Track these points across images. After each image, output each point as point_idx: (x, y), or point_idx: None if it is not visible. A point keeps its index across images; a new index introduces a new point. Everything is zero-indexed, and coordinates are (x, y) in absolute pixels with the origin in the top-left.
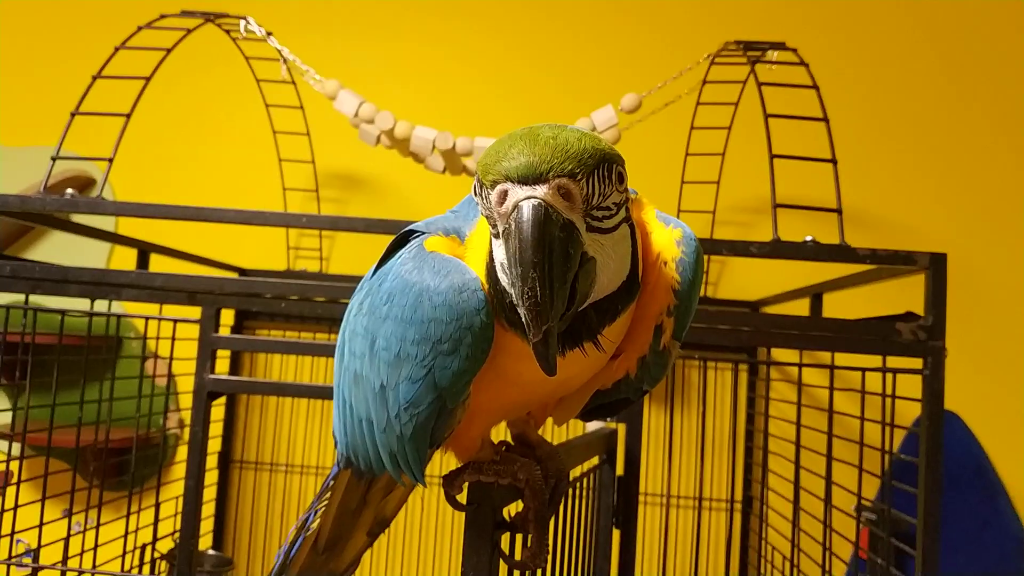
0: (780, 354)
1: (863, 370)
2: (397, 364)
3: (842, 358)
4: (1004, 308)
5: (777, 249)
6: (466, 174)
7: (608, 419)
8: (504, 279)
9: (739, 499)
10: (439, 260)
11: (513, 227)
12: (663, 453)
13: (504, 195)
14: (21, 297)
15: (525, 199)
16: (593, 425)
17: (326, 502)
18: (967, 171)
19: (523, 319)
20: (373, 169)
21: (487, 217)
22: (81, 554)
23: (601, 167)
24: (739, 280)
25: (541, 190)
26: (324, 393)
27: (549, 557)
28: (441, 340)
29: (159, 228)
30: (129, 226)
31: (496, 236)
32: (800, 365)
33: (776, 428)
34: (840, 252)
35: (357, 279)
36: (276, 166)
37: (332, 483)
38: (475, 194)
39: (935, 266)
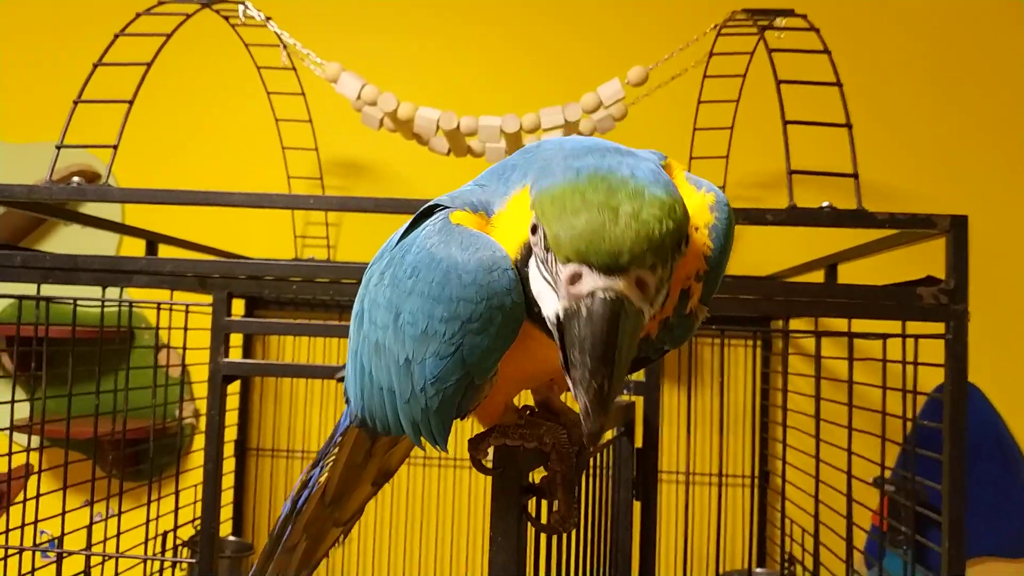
0: (795, 327)
1: (884, 336)
2: (424, 340)
3: (859, 328)
4: (1020, 279)
5: (793, 216)
6: (471, 155)
7: (625, 391)
8: (548, 313)
9: (756, 474)
10: (467, 235)
11: (584, 314)
12: (681, 431)
13: (577, 277)
14: (33, 288)
15: (602, 291)
16: None
17: (333, 456)
18: (982, 136)
19: (579, 402)
20: (377, 155)
21: (546, 277)
22: (104, 541)
23: (678, 247)
24: (752, 254)
25: (619, 283)
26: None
27: (578, 521)
28: (471, 319)
29: (166, 219)
30: (136, 217)
31: (548, 284)
32: (817, 334)
33: (792, 402)
34: (858, 217)
35: (366, 265)
36: (279, 154)
37: (340, 439)
38: (532, 238)
39: (956, 228)
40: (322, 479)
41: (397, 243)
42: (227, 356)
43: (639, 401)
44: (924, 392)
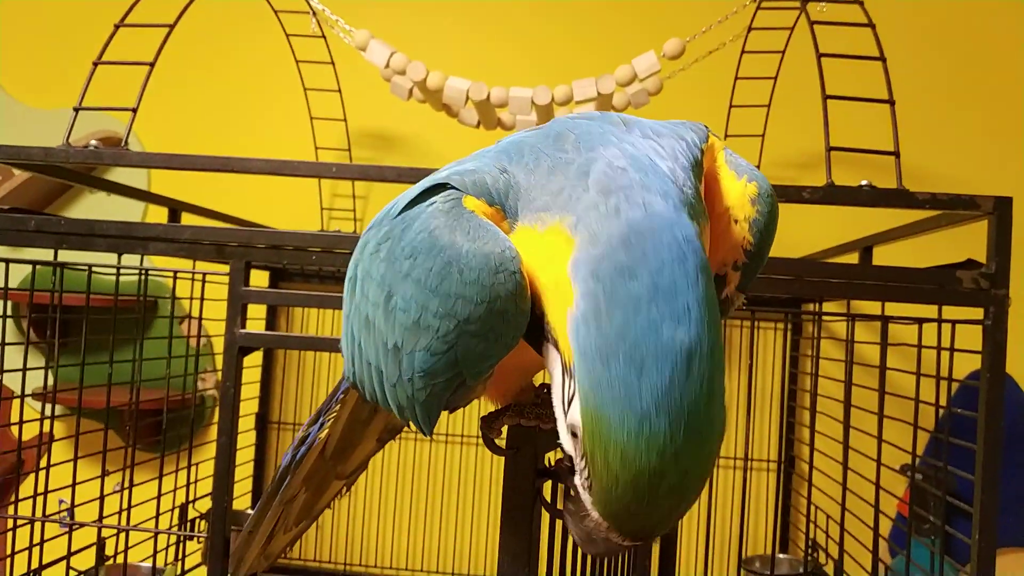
0: (828, 310)
1: (920, 320)
2: (415, 331)
3: (893, 312)
4: None
5: (831, 194)
6: (500, 127)
7: None
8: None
9: (782, 459)
10: (477, 225)
11: (597, 545)
12: None
13: (603, 527)
14: (49, 254)
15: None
16: None
17: (335, 414)
18: None
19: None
20: (406, 126)
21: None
22: (119, 512)
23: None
24: (786, 235)
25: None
26: None
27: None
28: (468, 320)
29: (192, 188)
30: (162, 186)
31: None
32: (850, 316)
33: (821, 387)
34: (898, 197)
35: None
36: (307, 124)
37: (342, 396)
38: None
39: (1000, 210)
40: (322, 435)
41: (399, 213)
42: (244, 327)
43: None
44: (958, 379)
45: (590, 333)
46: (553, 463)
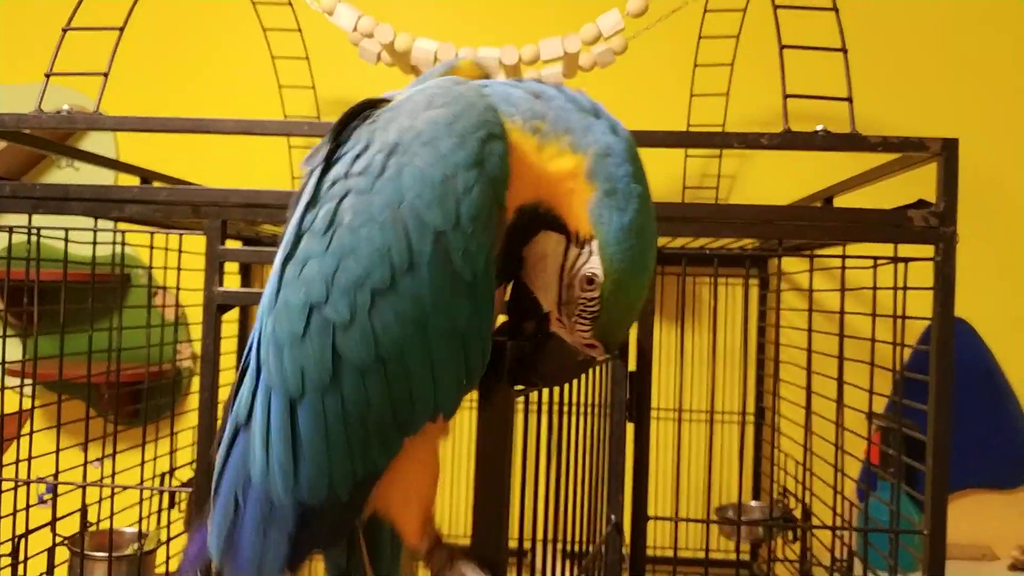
0: (789, 264)
1: (875, 258)
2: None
3: (851, 264)
4: (1012, 215)
5: (788, 140)
6: None
7: None
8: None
9: (751, 411)
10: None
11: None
12: (674, 368)
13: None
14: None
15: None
16: None
17: None
18: (974, 63)
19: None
20: (375, 92)
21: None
22: (101, 480)
23: None
24: (747, 190)
25: None
26: None
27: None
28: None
29: (160, 157)
30: (129, 155)
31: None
32: (811, 256)
33: (785, 338)
34: (851, 141)
35: None
36: (276, 93)
37: None
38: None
39: (947, 151)
40: None
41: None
42: (221, 285)
43: (633, 326)
44: (915, 317)
45: (613, 216)
46: (509, 350)
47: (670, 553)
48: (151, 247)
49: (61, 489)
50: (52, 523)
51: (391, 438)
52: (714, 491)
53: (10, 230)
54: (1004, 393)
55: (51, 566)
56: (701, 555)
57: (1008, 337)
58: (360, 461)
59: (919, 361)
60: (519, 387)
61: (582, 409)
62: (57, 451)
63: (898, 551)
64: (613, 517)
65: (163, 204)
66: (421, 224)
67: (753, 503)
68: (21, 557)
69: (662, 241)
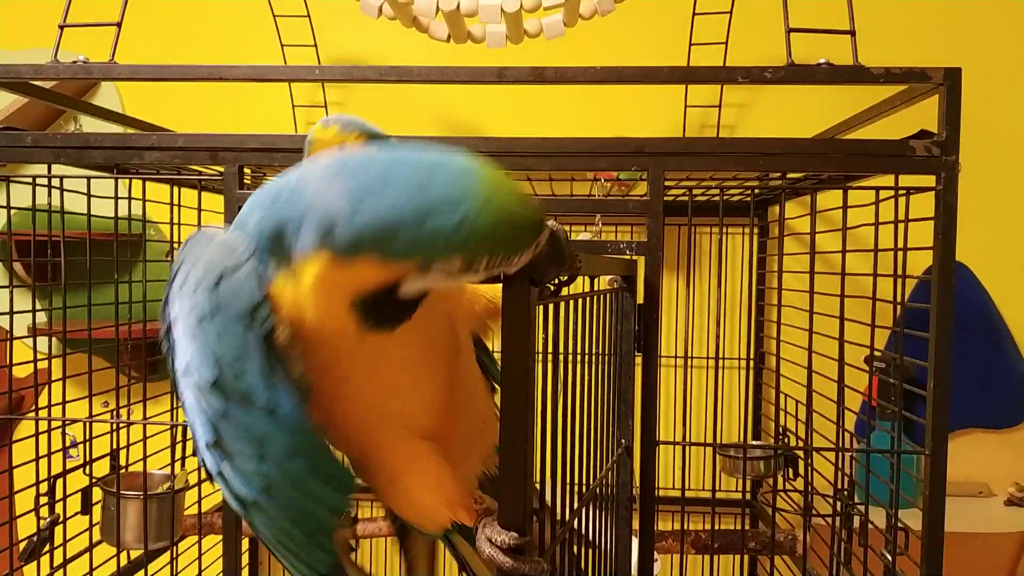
0: (791, 210)
1: (876, 188)
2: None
3: (853, 211)
4: (1010, 162)
5: (791, 73)
6: (471, 40)
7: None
8: None
9: (753, 356)
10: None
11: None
12: (681, 317)
13: None
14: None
15: None
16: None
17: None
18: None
19: None
20: (376, 49)
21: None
22: (128, 419)
23: None
24: (751, 130)
25: None
26: None
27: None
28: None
29: (165, 116)
30: (136, 109)
31: None
32: (815, 189)
33: (787, 284)
34: (854, 73)
35: None
36: (278, 53)
37: None
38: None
39: (950, 81)
40: None
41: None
42: None
43: (640, 261)
44: (917, 248)
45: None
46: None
47: (678, 494)
48: (171, 204)
49: (93, 432)
50: (87, 464)
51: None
52: (718, 433)
53: (33, 179)
54: (1002, 335)
55: (86, 504)
56: (707, 495)
57: (1006, 281)
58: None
59: (919, 300)
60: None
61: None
62: (90, 395)
63: (900, 476)
64: (624, 441)
65: (182, 150)
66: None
67: (754, 443)
68: (58, 496)
69: (668, 191)
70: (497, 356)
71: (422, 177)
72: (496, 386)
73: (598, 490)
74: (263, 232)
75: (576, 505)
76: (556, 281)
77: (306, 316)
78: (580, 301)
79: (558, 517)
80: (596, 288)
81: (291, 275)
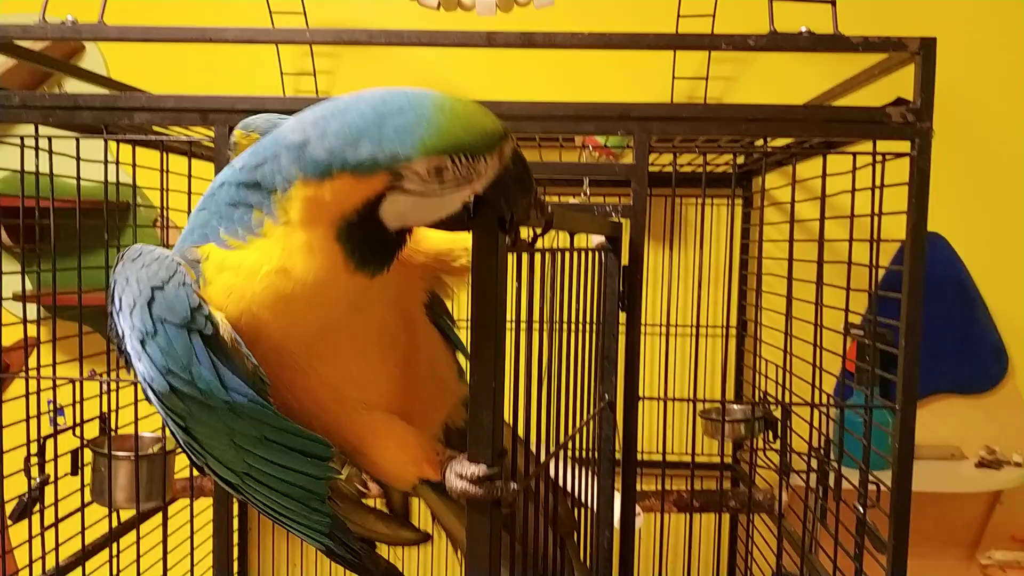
0: (772, 181)
1: (854, 154)
2: None
3: (831, 182)
4: (984, 133)
5: (774, 41)
6: (460, 8)
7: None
8: None
9: (734, 324)
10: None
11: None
12: (663, 286)
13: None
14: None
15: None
16: (596, 237)
17: None
18: None
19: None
20: (366, 16)
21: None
22: (118, 378)
23: None
24: (740, 101)
25: None
26: None
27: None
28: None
29: (149, 80)
30: (121, 75)
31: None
32: (794, 155)
33: (767, 253)
34: (834, 41)
35: None
36: (267, 19)
37: None
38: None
39: (925, 50)
40: None
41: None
42: None
43: (626, 223)
44: (892, 212)
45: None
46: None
47: (659, 457)
48: (162, 170)
49: (85, 394)
50: (78, 425)
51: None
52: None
53: (21, 140)
54: (976, 303)
55: (77, 466)
56: (688, 459)
57: (980, 250)
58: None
59: (894, 277)
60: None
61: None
62: (81, 357)
63: (871, 431)
64: (607, 396)
65: (171, 111)
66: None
67: (735, 406)
68: (49, 456)
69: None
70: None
71: (382, 95)
72: (455, 345)
73: (578, 439)
74: (242, 182)
75: (553, 450)
76: (533, 233)
77: (297, 261)
78: (561, 256)
79: (532, 460)
80: (575, 246)
81: (280, 214)
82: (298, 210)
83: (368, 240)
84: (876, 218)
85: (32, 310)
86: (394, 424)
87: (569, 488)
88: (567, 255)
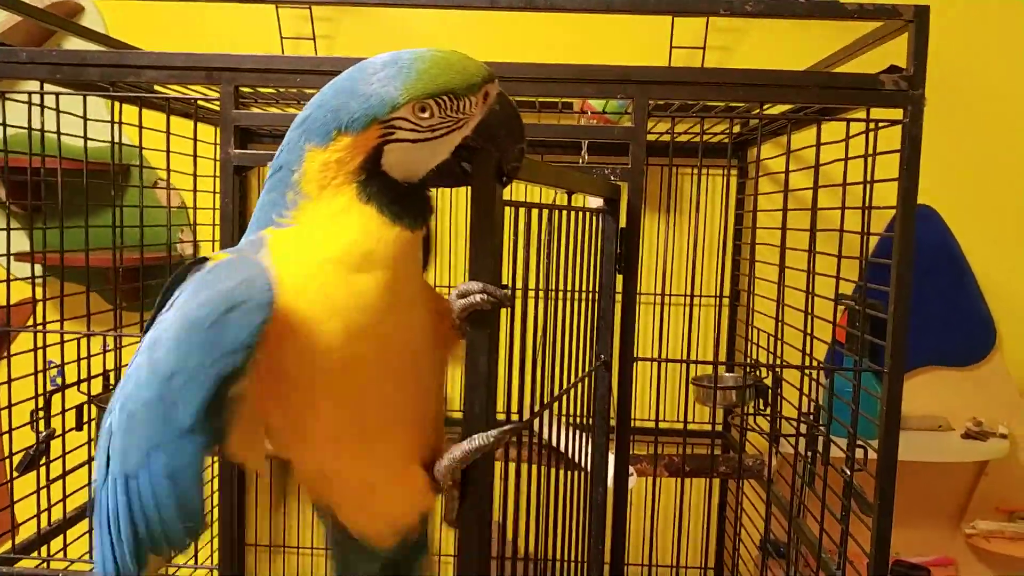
0: (767, 152)
1: (848, 120)
2: None
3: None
4: (975, 106)
5: (771, 7)
6: None
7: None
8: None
9: (726, 293)
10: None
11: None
12: (659, 256)
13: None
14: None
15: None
16: (592, 199)
17: None
18: None
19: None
20: None
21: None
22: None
23: None
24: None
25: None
26: None
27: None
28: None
29: (150, 42)
30: (121, 36)
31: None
32: (790, 119)
33: (761, 223)
34: (830, 8)
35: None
36: None
37: None
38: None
39: (919, 18)
40: None
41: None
42: (237, 148)
43: (624, 186)
44: (883, 180)
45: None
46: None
47: (651, 425)
48: (168, 133)
49: (92, 349)
50: (84, 381)
51: None
52: (691, 367)
53: (29, 96)
54: (965, 276)
55: (80, 422)
56: (680, 427)
57: (971, 223)
58: None
59: (886, 246)
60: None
61: (571, 262)
62: (88, 315)
63: (860, 395)
64: (603, 356)
65: (179, 69)
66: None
67: (727, 375)
68: (55, 411)
69: (651, 130)
70: None
71: (368, 60)
72: None
73: (574, 396)
74: (272, 172)
75: (548, 401)
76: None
77: (333, 228)
78: (558, 213)
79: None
80: (570, 204)
81: (304, 188)
82: (314, 181)
83: (388, 194)
84: (868, 186)
85: (30, 269)
86: (412, 459)
87: (563, 449)
88: (564, 214)
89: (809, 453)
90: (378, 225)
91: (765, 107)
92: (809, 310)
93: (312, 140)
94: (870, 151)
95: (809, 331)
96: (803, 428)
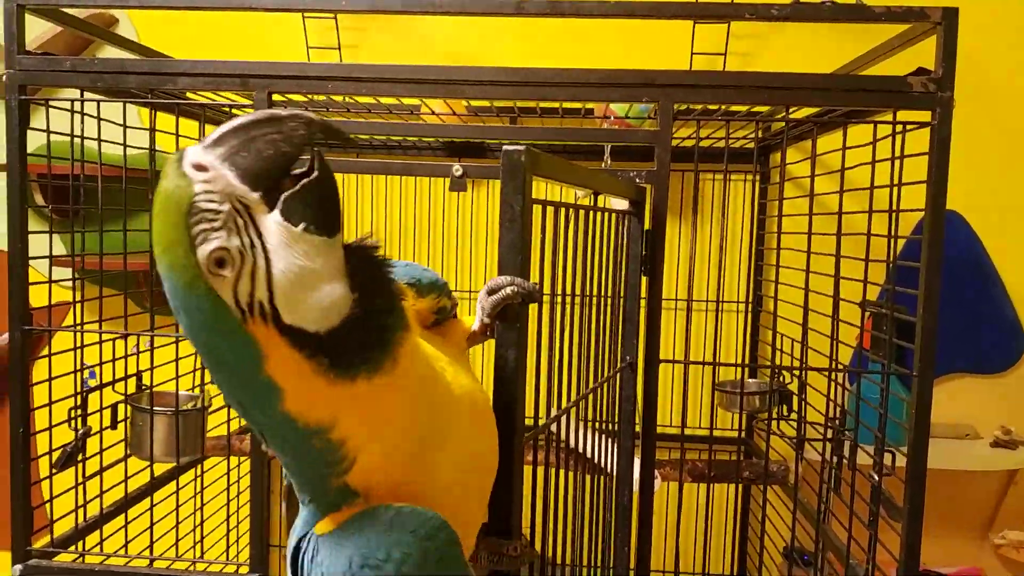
0: (791, 155)
1: (875, 123)
2: None
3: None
4: (1003, 112)
5: (797, 11)
6: None
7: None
8: None
9: (750, 299)
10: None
11: None
12: (684, 262)
13: None
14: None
15: None
16: (617, 202)
17: None
18: None
19: None
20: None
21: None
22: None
23: None
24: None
25: None
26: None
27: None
28: None
29: (182, 51)
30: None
31: None
32: (816, 123)
33: (785, 228)
34: (856, 11)
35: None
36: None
37: None
38: None
39: (948, 20)
40: None
41: None
42: None
43: (649, 189)
44: (911, 183)
45: None
46: None
47: (676, 431)
48: (203, 110)
49: (128, 349)
50: (120, 381)
51: None
52: (717, 371)
53: (71, 103)
54: (993, 283)
55: (115, 420)
56: (704, 432)
57: (998, 229)
58: None
59: (913, 251)
60: None
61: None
62: (126, 315)
63: (888, 399)
64: (628, 358)
65: (215, 76)
66: None
67: (750, 380)
68: (91, 409)
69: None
70: None
71: None
72: None
73: (599, 397)
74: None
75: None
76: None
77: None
78: (584, 214)
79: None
80: (595, 204)
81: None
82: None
83: (331, 362)
84: (896, 189)
85: (63, 273)
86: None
87: (589, 454)
88: (590, 215)
89: (834, 458)
90: (323, 382)
91: (791, 111)
92: (835, 315)
93: None
94: (897, 154)
95: (835, 336)
96: (829, 433)
